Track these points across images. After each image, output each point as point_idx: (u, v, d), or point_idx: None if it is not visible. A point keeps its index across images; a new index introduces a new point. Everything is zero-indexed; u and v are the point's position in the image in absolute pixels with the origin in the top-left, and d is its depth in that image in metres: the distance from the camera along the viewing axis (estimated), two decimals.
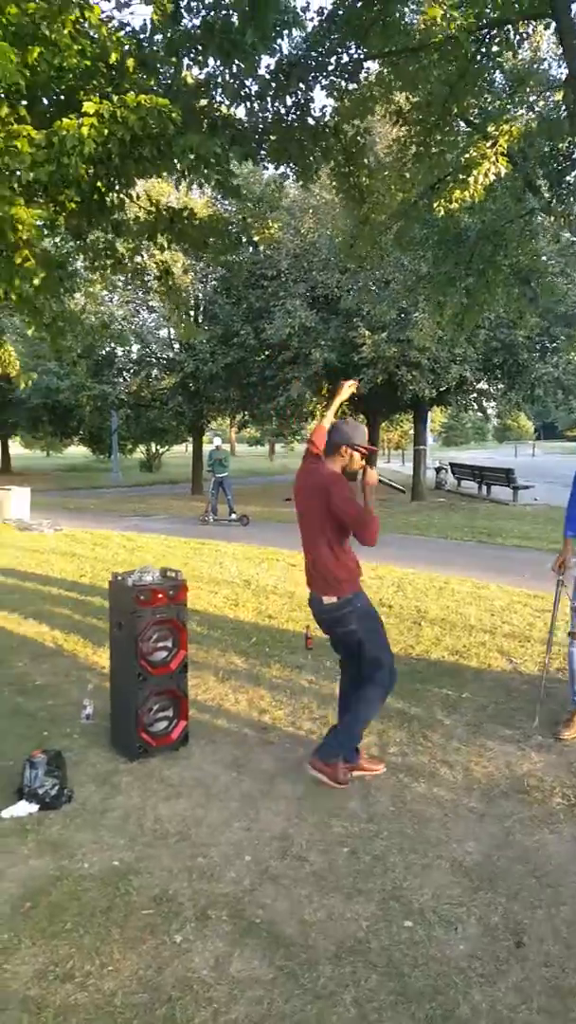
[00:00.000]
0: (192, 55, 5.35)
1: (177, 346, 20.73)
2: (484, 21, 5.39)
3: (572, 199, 5.93)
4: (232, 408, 22.73)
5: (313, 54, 6.11)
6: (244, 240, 6.67)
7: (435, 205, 5.40)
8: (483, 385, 20.54)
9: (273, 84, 6.03)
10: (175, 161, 4.82)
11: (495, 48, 5.64)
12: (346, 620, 3.47)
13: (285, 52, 6.06)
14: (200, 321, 20.36)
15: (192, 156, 4.62)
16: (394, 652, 5.72)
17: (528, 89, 6.38)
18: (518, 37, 5.72)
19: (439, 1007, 2.17)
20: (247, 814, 3.27)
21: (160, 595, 3.71)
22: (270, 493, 22.18)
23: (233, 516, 14.42)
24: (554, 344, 17.85)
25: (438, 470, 24.85)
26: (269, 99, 6.15)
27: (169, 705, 3.83)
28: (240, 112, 6.21)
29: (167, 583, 3.80)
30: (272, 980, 2.29)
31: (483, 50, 5.60)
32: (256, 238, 17.11)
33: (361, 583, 3.54)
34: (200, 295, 20.62)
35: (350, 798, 3.43)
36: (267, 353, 18.82)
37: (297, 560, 9.79)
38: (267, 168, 6.46)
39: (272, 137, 6.31)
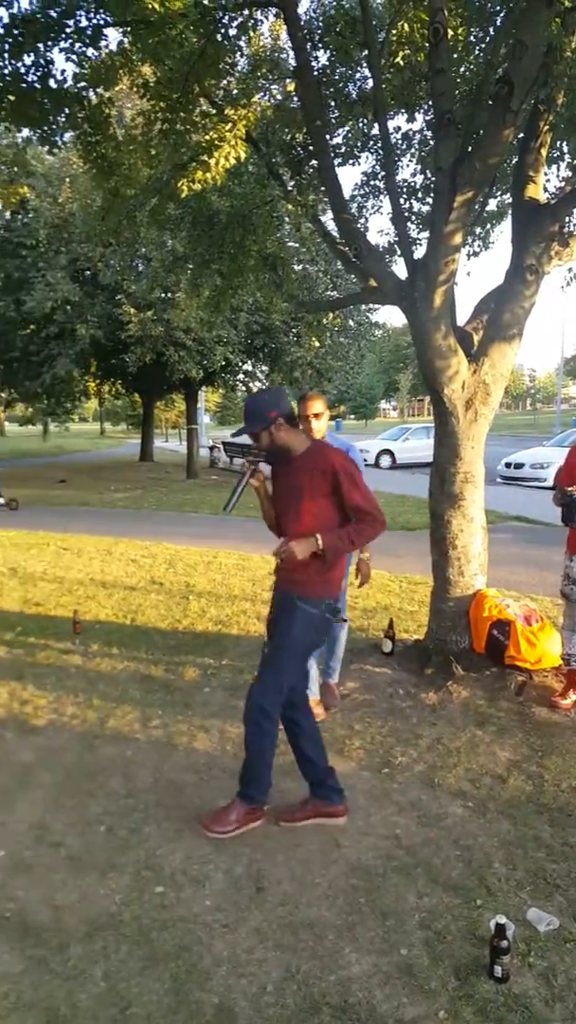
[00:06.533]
0: None
1: None
2: (222, 2, 5.47)
3: (311, 189, 6.24)
4: None
5: (51, 13, 5.79)
6: None
7: (179, 184, 5.41)
8: (248, 367, 21.09)
9: (8, 40, 5.63)
10: None
11: (232, 30, 5.73)
12: None
13: (22, 7, 5.67)
14: None
15: None
16: (163, 627, 5.86)
17: (269, 75, 6.57)
18: (253, 21, 5.86)
19: (184, 963, 2.31)
20: (0, 810, 3.17)
21: None
22: (43, 475, 21.04)
23: (0, 500, 13.49)
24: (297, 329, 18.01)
25: (211, 448, 25.17)
26: (5, 56, 5.74)
27: None
28: None
29: None
30: (22, 972, 2.27)
31: (222, 31, 5.66)
32: None
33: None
34: None
35: (111, 776, 3.46)
36: (32, 327, 17.62)
37: (69, 544, 9.46)
38: (11, 130, 6.02)
39: (11, 97, 5.90)
